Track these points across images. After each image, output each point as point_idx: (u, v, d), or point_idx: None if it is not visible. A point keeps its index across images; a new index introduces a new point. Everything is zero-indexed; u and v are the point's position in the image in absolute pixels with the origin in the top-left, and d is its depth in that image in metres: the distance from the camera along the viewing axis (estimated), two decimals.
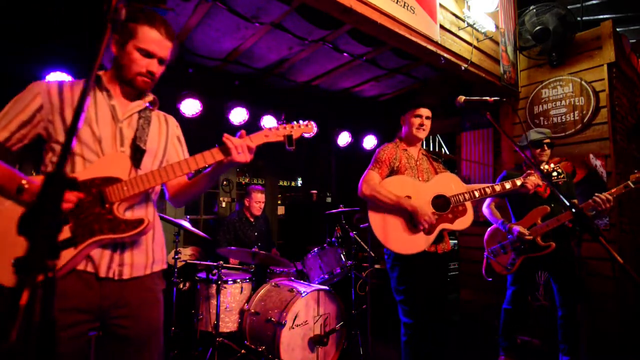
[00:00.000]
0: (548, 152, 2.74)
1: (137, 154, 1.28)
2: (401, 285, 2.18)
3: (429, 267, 2.18)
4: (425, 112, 2.32)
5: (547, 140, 2.72)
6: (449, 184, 2.25)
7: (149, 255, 1.32)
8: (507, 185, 2.26)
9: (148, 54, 1.26)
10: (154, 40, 1.25)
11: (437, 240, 2.19)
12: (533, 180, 2.26)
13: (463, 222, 2.21)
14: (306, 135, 1.50)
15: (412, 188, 2.19)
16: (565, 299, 2.63)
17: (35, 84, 1.23)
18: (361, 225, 3.29)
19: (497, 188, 2.24)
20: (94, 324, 1.20)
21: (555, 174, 2.28)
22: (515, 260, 2.68)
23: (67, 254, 1.11)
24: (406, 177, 2.24)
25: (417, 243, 2.13)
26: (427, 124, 2.34)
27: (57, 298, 1.05)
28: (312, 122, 1.50)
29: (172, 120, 1.51)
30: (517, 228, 2.61)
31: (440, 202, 2.20)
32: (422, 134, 2.33)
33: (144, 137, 1.32)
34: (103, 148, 1.23)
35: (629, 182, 2.40)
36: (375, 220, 2.17)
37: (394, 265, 2.22)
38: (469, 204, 2.24)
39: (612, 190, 2.47)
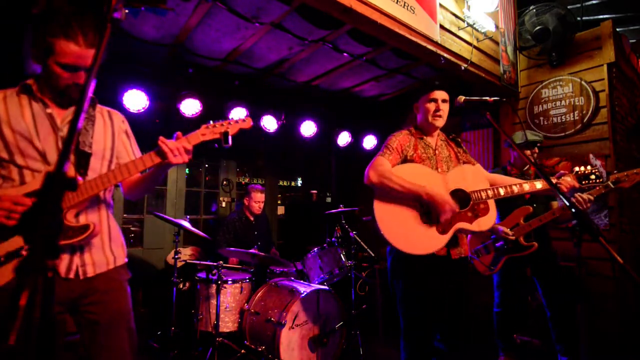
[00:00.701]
0: (536, 153, 2.81)
1: (82, 159, 1.30)
2: (404, 295, 1.89)
3: (440, 276, 1.86)
4: (440, 94, 2.02)
5: (539, 143, 2.80)
6: (470, 177, 1.96)
7: (108, 254, 1.39)
8: (538, 185, 1.97)
9: (72, 68, 1.22)
10: (73, 53, 1.20)
11: (451, 242, 1.87)
12: (568, 181, 2.01)
13: (484, 223, 1.89)
14: (243, 128, 1.47)
15: (426, 178, 1.88)
16: (551, 299, 2.64)
17: None
18: (364, 218, 3.28)
19: (527, 187, 1.95)
20: (65, 314, 1.30)
21: (593, 177, 2.07)
22: (498, 260, 2.69)
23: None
24: (421, 166, 1.94)
25: (428, 242, 1.81)
26: (445, 108, 2.03)
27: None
28: (248, 117, 1.49)
29: (116, 115, 1.50)
30: (501, 228, 2.62)
31: (459, 198, 1.89)
32: (440, 122, 2.03)
33: (88, 140, 1.33)
34: (48, 159, 1.25)
35: (609, 183, 2.38)
36: (381, 211, 1.86)
37: (396, 271, 1.94)
38: (491, 202, 1.93)
39: (592, 191, 2.46)
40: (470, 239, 2.81)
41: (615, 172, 2.38)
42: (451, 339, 1.95)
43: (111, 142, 1.43)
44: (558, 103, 3.70)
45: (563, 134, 3.64)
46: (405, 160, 1.97)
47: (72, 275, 1.27)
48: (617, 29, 3.65)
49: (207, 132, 1.41)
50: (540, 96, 3.83)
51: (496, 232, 2.64)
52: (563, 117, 3.66)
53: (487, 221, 1.90)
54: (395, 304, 1.99)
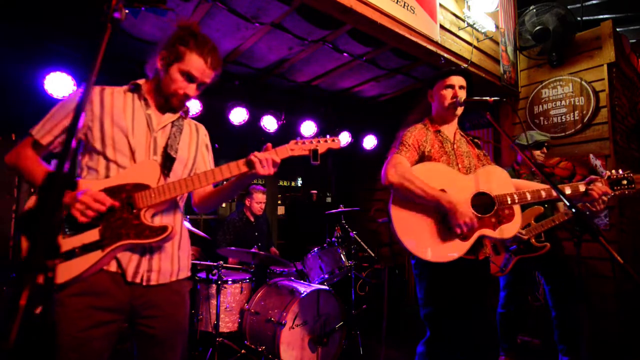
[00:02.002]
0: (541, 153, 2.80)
1: (167, 162, 1.33)
2: (428, 301, 1.79)
3: (465, 278, 1.75)
4: (458, 80, 1.87)
5: (547, 143, 2.79)
6: (495, 179, 1.81)
7: (175, 262, 1.35)
8: (568, 191, 1.83)
9: (189, 78, 1.32)
10: (198, 67, 1.31)
11: (477, 246, 1.77)
12: (600, 187, 1.82)
13: (507, 231, 1.76)
14: (333, 149, 1.49)
15: (448, 180, 1.75)
16: (558, 299, 2.63)
17: (77, 92, 1.29)
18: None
19: (554, 193, 1.76)
20: (124, 323, 1.25)
21: (625, 182, 1.88)
22: (509, 261, 2.68)
23: (94, 256, 1.16)
24: (444, 165, 1.80)
25: (448, 250, 1.70)
26: (462, 94, 1.87)
27: (89, 296, 1.13)
28: (339, 138, 1.49)
29: (202, 129, 1.55)
30: None
31: (482, 202, 1.76)
32: (458, 110, 1.88)
33: (175, 146, 1.36)
34: (136, 157, 1.28)
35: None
36: (400, 216, 1.73)
37: (421, 274, 1.81)
38: (517, 208, 1.81)
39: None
40: None
41: (617, 170, 2.35)
42: (480, 339, 1.84)
43: (195, 152, 1.46)
44: (558, 103, 3.70)
45: (563, 134, 3.64)
46: (422, 156, 1.83)
47: (138, 280, 1.24)
48: (617, 29, 3.65)
49: (296, 148, 1.45)
50: (540, 96, 3.83)
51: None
52: (563, 117, 3.66)
53: (510, 228, 1.78)
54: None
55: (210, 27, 2.97)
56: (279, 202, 5.36)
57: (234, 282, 3.04)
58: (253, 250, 3.01)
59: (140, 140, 1.29)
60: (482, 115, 1.76)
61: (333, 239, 3.40)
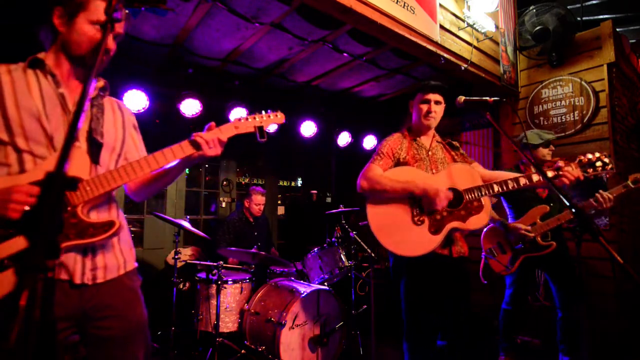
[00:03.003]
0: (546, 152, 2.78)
1: (94, 148, 1.16)
2: (409, 295, 1.90)
3: (440, 274, 1.87)
4: (434, 96, 2.02)
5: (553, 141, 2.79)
6: (464, 175, 1.94)
7: (119, 256, 1.24)
8: (535, 178, 1.90)
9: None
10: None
11: (449, 241, 1.89)
12: (571, 171, 1.86)
13: (477, 221, 1.88)
14: (276, 124, 1.43)
15: (418, 178, 1.90)
16: (565, 299, 2.63)
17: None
18: (360, 223, 3.28)
19: (522, 181, 1.89)
20: (73, 329, 1.13)
21: (599, 164, 1.89)
22: (515, 259, 2.67)
23: None
24: (413, 167, 1.95)
25: (422, 243, 1.82)
26: (438, 109, 2.03)
27: None
28: (281, 112, 1.42)
29: (125, 107, 1.37)
30: (520, 226, 2.60)
31: (453, 197, 1.90)
32: (432, 122, 2.04)
33: (100, 129, 1.19)
34: (55, 144, 1.10)
35: (629, 183, 2.40)
36: (374, 216, 1.89)
37: (399, 270, 1.94)
38: (486, 200, 1.92)
39: (612, 190, 2.47)
40: (483, 238, 2.79)
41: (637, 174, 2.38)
42: (454, 336, 1.96)
43: (122, 134, 1.29)
44: (558, 103, 3.70)
45: (563, 134, 3.64)
46: (398, 163, 1.99)
47: (85, 280, 1.12)
48: (617, 29, 3.65)
49: (241, 125, 1.34)
50: (540, 96, 3.83)
51: (515, 231, 2.61)
52: (563, 117, 3.66)
53: (478, 219, 1.89)
54: (394, 304, 1.99)
55: (210, 27, 2.97)
56: (279, 202, 5.36)
57: (234, 282, 3.04)
58: (253, 250, 3.01)
59: (56, 125, 1.11)
60: (482, 115, 1.77)
61: (333, 239, 3.40)
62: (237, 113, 3.79)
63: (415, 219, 1.86)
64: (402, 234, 1.85)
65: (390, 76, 4.01)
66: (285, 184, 5.76)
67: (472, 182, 1.92)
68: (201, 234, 3.06)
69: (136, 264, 1.33)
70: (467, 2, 3.33)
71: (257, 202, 3.85)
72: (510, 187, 1.90)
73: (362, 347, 3.03)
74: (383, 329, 3.54)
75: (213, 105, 3.66)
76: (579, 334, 2.59)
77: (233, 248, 3.15)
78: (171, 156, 1.22)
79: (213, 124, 1.31)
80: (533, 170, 2.79)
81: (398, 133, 2.10)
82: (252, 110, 4.09)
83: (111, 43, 1.18)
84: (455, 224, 1.86)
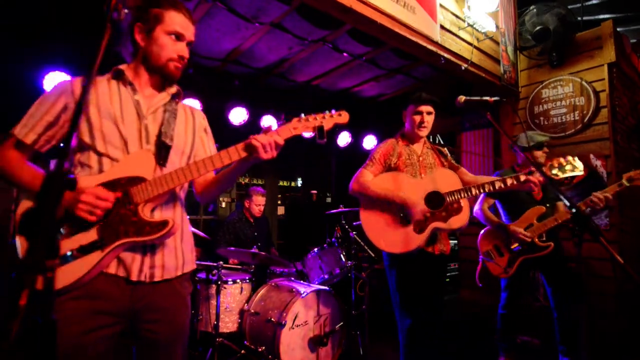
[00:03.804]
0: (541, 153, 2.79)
1: (162, 150, 1.23)
2: (398, 286, 2.11)
3: (425, 269, 2.09)
4: (425, 108, 2.20)
5: (547, 142, 2.77)
6: (447, 180, 2.12)
7: (179, 256, 1.28)
8: (509, 182, 2.03)
9: (178, 37, 1.24)
10: (182, 23, 1.24)
11: (432, 240, 2.10)
12: (538, 177, 2.02)
13: (457, 221, 2.06)
14: (340, 123, 1.37)
15: (405, 184, 2.10)
16: (560, 300, 2.63)
17: (58, 85, 1.20)
18: (354, 223, 3.31)
19: (498, 185, 2.04)
20: (123, 327, 1.18)
21: (569, 167, 1.95)
22: (513, 262, 2.67)
23: (94, 257, 1.09)
24: (400, 173, 2.15)
25: (407, 241, 2.02)
26: (429, 120, 2.21)
27: (87, 299, 1.08)
28: (345, 112, 1.39)
29: (198, 112, 1.45)
30: (517, 229, 2.60)
31: (435, 199, 2.08)
32: (424, 132, 2.22)
33: (170, 132, 1.26)
34: (129, 147, 1.19)
35: (623, 181, 2.38)
36: (366, 217, 2.13)
37: (391, 266, 2.16)
38: (465, 202, 2.09)
39: (607, 190, 2.46)
40: (480, 240, 2.78)
41: (633, 169, 2.37)
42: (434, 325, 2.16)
43: (192, 137, 1.36)
44: (558, 103, 3.70)
45: (563, 134, 3.64)
46: (389, 168, 2.17)
47: (142, 278, 1.17)
48: (618, 29, 3.65)
49: (300, 126, 1.32)
50: (540, 96, 3.83)
51: (513, 234, 2.61)
52: (563, 117, 3.66)
53: (458, 219, 2.05)
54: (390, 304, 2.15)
55: (210, 27, 2.97)
56: (279, 202, 5.36)
57: (233, 282, 3.03)
58: (253, 250, 3.01)
59: (131, 129, 1.20)
60: (482, 115, 1.78)
61: (333, 239, 3.40)
62: (237, 113, 3.79)
63: (402, 220, 2.06)
64: (390, 234, 2.06)
65: (390, 76, 4.01)
66: (285, 184, 5.76)
67: (454, 186, 2.09)
68: (201, 234, 3.06)
69: (195, 266, 1.38)
70: (467, 2, 3.33)
71: (258, 202, 3.84)
72: (486, 189, 2.06)
73: (362, 347, 3.03)
74: (383, 328, 3.54)
75: (213, 105, 3.66)
76: (577, 334, 2.59)
77: (233, 248, 3.14)
78: (227, 158, 1.25)
79: (270, 126, 1.31)
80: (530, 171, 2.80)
81: (392, 139, 2.27)
82: (253, 110, 4.08)
83: (184, 51, 1.27)
84: (437, 224, 2.04)
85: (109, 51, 0.81)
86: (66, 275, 1.06)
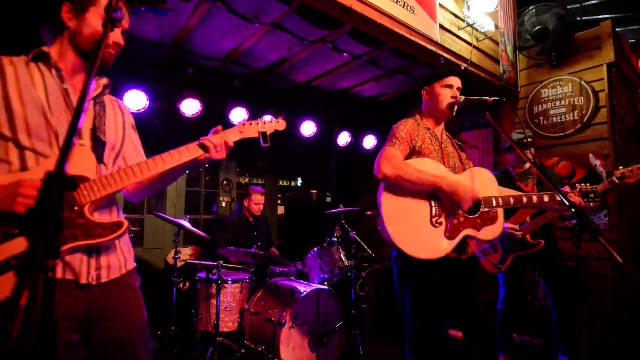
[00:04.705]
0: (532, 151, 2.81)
1: (99, 147, 1.15)
2: (408, 295, 1.77)
3: (452, 278, 1.77)
4: (457, 82, 1.89)
5: (530, 140, 2.79)
6: (482, 182, 1.83)
7: (120, 256, 1.23)
8: (546, 199, 1.91)
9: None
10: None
11: (461, 249, 1.79)
12: (576, 199, 2.16)
13: (491, 232, 1.80)
14: (279, 130, 1.49)
15: (447, 175, 1.77)
16: (557, 298, 2.64)
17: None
18: (367, 213, 3.23)
19: (535, 199, 1.89)
20: (76, 331, 1.11)
21: (592, 195, 2.21)
22: (505, 258, 2.69)
23: None
24: (433, 161, 1.80)
25: (435, 247, 1.69)
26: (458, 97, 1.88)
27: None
28: (283, 119, 1.49)
29: (125, 106, 1.37)
30: (507, 225, 2.61)
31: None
32: (454, 111, 1.89)
33: (103, 127, 1.18)
34: (60, 142, 1.07)
35: (614, 178, 2.36)
36: (390, 209, 1.69)
37: (405, 277, 1.79)
38: (500, 212, 1.85)
39: (598, 187, 2.46)
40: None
41: (620, 167, 2.35)
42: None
43: (122, 133, 1.28)
44: (558, 103, 3.71)
45: (563, 134, 3.64)
46: (413, 151, 1.82)
47: (90, 280, 1.11)
48: (617, 29, 3.65)
49: (245, 130, 1.38)
50: (540, 96, 3.83)
51: (504, 230, 2.63)
52: (563, 117, 3.66)
53: (494, 230, 1.81)
54: (393, 303, 1.93)
55: (210, 27, 2.97)
56: (279, 202, 5.36)
57: (234, 282, 3.04)
58: (253, 250, 3.01)
59: (60, 121, 1.08)
60: (481, 115, 1.75)
61: (333, 239, 3.40)
62: (238, 113, 3.79)
63: (434, 220, 1.71)
64: (417, 234, 1.70)
65: (390, 76, 4.01)
66: (285, 184, 5.76)
67: (491, 191, 1.84)
68: (201, 233, 3.06)
69: (135, 264, 1.33)
70: (467, 2, 3.33)
71: (257, 201, 3.85)
72: (524, 202, 1.88)
73: (362, 347, 3.03)
74: (383, 328, 3.55)
75: (213, 105, 3.66)
76: (576, 333, 2.59)
77: (233, 248, 3.15)
78: (178, 157, 1.23)
79: (220, 127, 1.33)
80: (523, 171, 2.80)
81: (411, 119, 1.92)
82: (253, 110, 4.08)
83: (119, 38, 1.18)
84: (469, 231, 1.76)
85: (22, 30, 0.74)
86: (4, 287, 0.93)
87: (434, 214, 1.73)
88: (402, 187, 1.70)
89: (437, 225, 1.71)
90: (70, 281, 1.09)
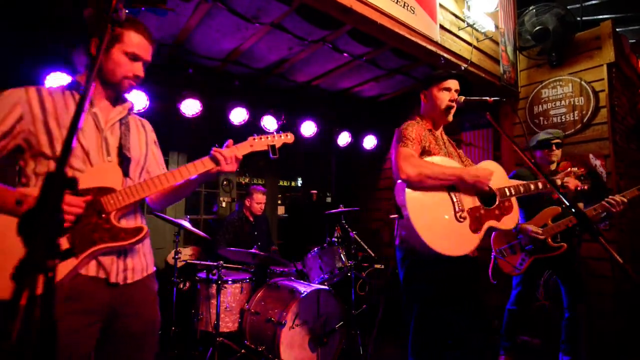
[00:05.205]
0: (557, 152, 2.78)
1: (124, 162, 1.31)
2: (422, 290, 1.78)
3: (462, 274, 1.79)
4: (455, 84, 1.91)
5: (557, 141, 2.77)
6: (495, 174, 1.87)
7: (143, 260, 1.36)
8: (540, 185, 1.97)
9: (135, 58, 1.29)
10: (139, 44, 1.29)
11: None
12: (574, 181, 2.14)
13: (510, 221, 1.85)
14: (287, 143, 1.60)
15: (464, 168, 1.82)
16: (573, 300, 2.63)
17: (12, 92, 1.19)
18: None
19: (540, 186, 1.95)
20: (100, 324, 1.24)
21: (582, 177, 2.22)
22: (525, 260, 2.66)
23: (68, 264, 1.14)
24: (448, 159, 1.84)
25: (463, 242, 1.71)
26: (458, 98, 1.91)
27: (70, 302, 1.11)
28: (292, 134, 1.60)
29: (147, 124, 1.52)
30: (530, 228, 2.59)
31: (485, 195, 1.83)
32: (451, 115, 1.93)
33: (128, 145, 1.34)
34: (91, 158, 1.24)
35: None
36: (417, 209, 1.67)
37: (416, 275, 1.79)
38: (514, 200, 1.90)
39: (626, 193, 2.47)
40: (494, 238, 2.77)
41: None
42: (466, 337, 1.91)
43: (145, 150, 1.43)
44: (558, 103, 3.71)
45: (563, 134, 3.63)
46: (423, 151, 1.84)
47: (119, 280, 1.25)
48: (617, 29, 3.65)
49: (255, 144, 1.51)
50: (540, 96, 3.83)
51: (525, 232, 2.60)
52: (563, 117, 3.66)
53: (511, 219, 1.87)
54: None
55: (210, 27, 2.97)
56: (279, 202, 5.36)
57: (234, 282, 3.04)
58: (253, 250, 3.01)
59: (91, 141, 1.25)
60: (481, 116, 1.75)
61: (333, 239, 3.40)
62: (238, 113, 3.79)
63: (458, 214, 1.73)
64: (447, 231, 1.69)
65: (390, 76, 4.01)
66: (285, 184, 5.76)
67: (502, 182, 1.89)
68: (201, 233, 3.07)
69: (154, 268, 1.44)
70: (467, 2, 3.33)
71: (259, 200, 3.85)
72: (532, 189, 1.94)
73: (362, 347, 3.03)
74: (383, 328, 3.54)
75: (213, 105, 3.66)
76: (578, 333, 2.59)
77: (233, 248, 3.15)
78: (193, 170, 1.37)
79: (231, 141, 1.45)
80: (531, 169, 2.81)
81: (413, 120, 1.93)
82: (253, 110, 4.09)
83: (140, 71, 1.33)
84: (491, 222, 1.81)
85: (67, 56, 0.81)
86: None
87: (457, 209, 1.74)
88: (425, 185, 1.70)
89: (462, 220, 1.73)
90: (101, 279, 1.23)
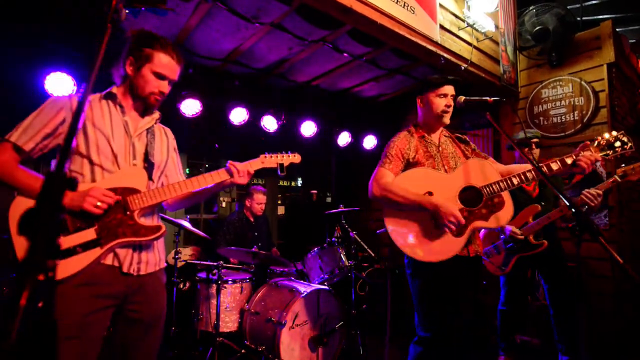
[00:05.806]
0: (536, 151, 2.80)
1: (149, 167, 1.47)
2: (423, 296, 1.84)
3: (458, 274, 1.81)
4: (450, 90, 1.93)
5: (535, 140, 2.79)
6: (480, 171, 1.85)
7: (156, 255, 1.50)
8: (554, 167, 1.80)
9: (161, 77, 1.44)
10: (167, 65, 1.44)
11: (468, 241, 1.82)
12: (588, 156, 1.75)
13: (501, 218, 1.79)
14: (295, 163, 1.81)
15: (433, 182, 1.83)
16: (555, 297, 2.64)
17: (57, 100, 1.37)
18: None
19: (542, 170, 1.71)
20: (114, 308, 1.36)
21: (618, 143, 1.78)
22: (508, 260, 2.68)
23: (95, 252, 1.28)
24: (426, 169, 1.87)
25: (445, 247, 1.75)
26: (452, 104, 1.94)
27: (90, 286, 1.30)
28: (298, 154, 1.81)
29: (169, 132, 1.68)
30: (509, 227, 2.61)
31: (470, 196, 1.81)
32: (448, 118, 1.95)
33: (152, 151, 1.50)
34: (119, 161, 1.40)
35: (616, 177, 2.36)
36: (393, 225, 1.83)
37: (416, 274, 1.87)
38: (506, 195, 1.82)
39: (600, 185, 2.46)
40: (482, 239, 2.78)
41: (622, 165, 2.34)
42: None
43: (166, 156, 1.59)
44: (558, 103, 3.71)
45: (563, 134, 3.64)
46: (408, 163, 1.90)
47: (131, 271, 1.37)
48: (617, 29, 3.65)
49: (266, 161, 1.70)
50: (540, 96, 3.83)
51: (504, 233, 2.64)
52: (563, 117, 3.66)
53: (504, 215, 1.79)
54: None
55: (210, 27, 2.97)
56: (279, 202, 5.36)
57: (234, 282, 3.04)
58: (253, 250, 3.01)
59: (120, 145, 1.40)
60: (481, 115, 1.75)
61: (333, 239, 3.40)
62: (238, 113, 3.80)
63: (436, 225, 1.78)
64: (425, 241, 1.78)
65: (390, 76, 4.01)
66: (285, 184, 5.77)
67: (489, 178, 1.83)
68: (201, 233, 3.06)
69: (165, 264, 1.59)
70: (467, 2, 3.33)
71: (259, 200, 3.85)
72: (530, 178, 1.80)
73: (362, 347, 3.03)
74: (383, 328, 3.54)
75: (213, 106, 3.66)
76: (575, 333, 2.59)
77: (233, 248, 3.15)
78: (210, 179, 1.54)
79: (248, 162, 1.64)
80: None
81: (404, 131, 2.00)
82: (253, 110, 4.08)
83: (165, 88, 1.48)
84: (478, 223, 1.79)
85: (107, 56, 0.83)
86: (71, 266, 1.25)
87: (435, 220, 1.78)
88: (398, 205, 1.82)
89: (442, 227, 1.75)
90: (115, 267, 1.35)
